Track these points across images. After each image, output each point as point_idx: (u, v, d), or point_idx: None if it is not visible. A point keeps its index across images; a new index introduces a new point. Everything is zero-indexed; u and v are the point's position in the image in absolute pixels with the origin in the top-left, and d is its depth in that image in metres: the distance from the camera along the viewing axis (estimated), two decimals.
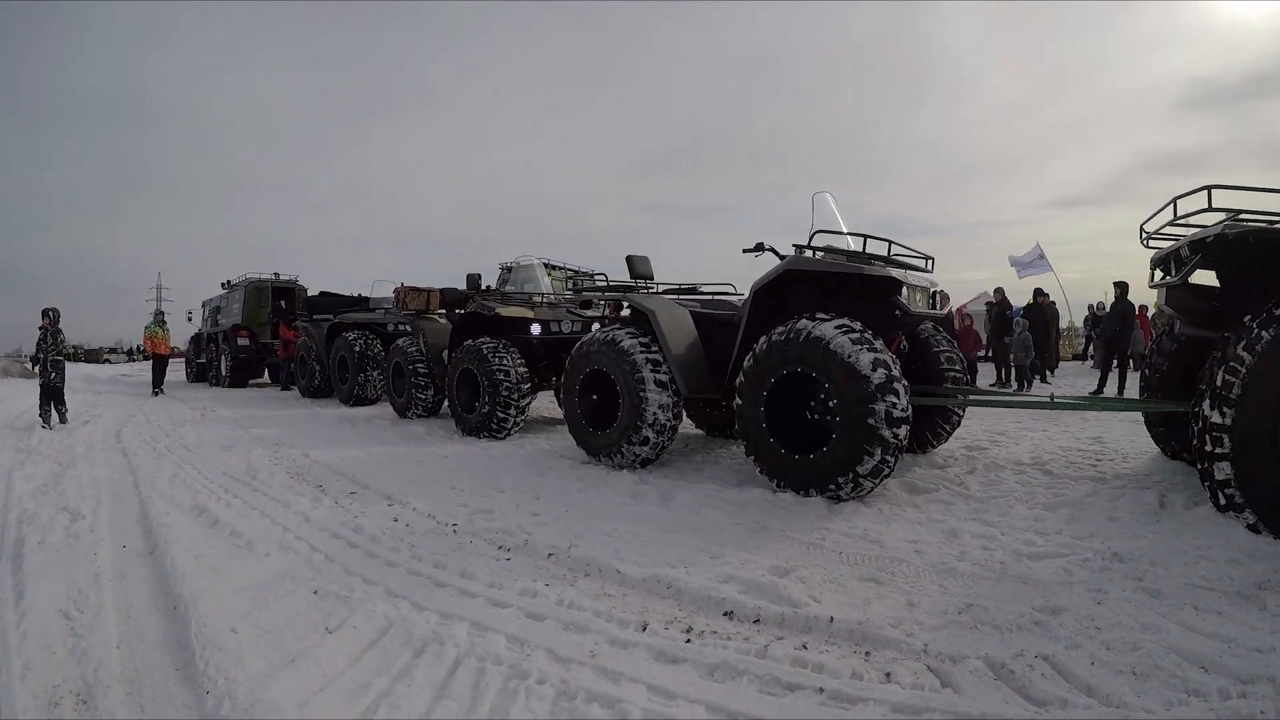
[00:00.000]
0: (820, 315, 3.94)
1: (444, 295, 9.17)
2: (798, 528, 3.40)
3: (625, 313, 6.11)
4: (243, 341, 15.26)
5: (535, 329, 7.28)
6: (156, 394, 13.92)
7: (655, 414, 4.86)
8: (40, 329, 8.48)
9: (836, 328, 3.78)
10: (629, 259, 6.17)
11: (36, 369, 8.39)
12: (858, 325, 3.83)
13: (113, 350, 48.00)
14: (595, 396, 5.50)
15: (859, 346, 3.67)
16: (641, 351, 4.95)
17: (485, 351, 6.89)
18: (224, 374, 15.52)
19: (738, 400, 4.20)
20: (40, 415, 8.22)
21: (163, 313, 16.27)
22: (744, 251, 4.72)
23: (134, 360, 41.42)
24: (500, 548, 3.34)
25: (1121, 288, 10.37)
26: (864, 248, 4.28)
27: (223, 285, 17.03)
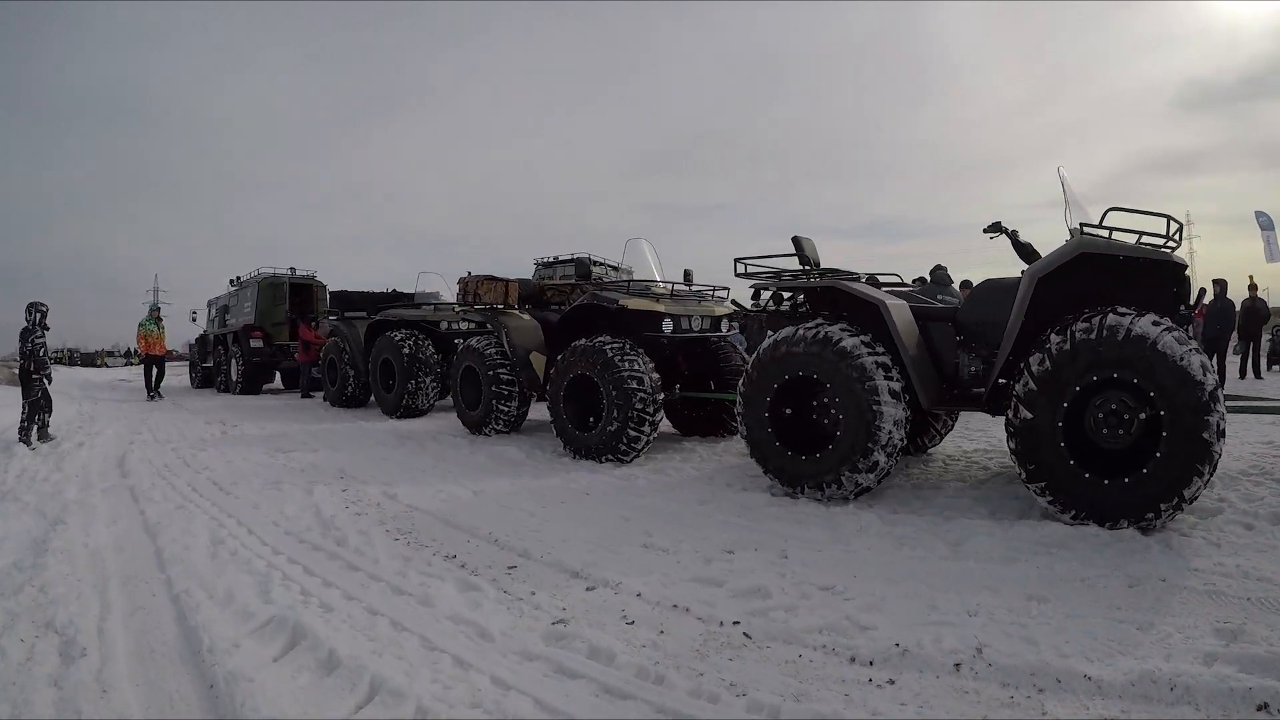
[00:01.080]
0: (1121, 309, 3.26)
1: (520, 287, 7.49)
2: (1166, 572, 2.68)
3: (782, 307, 4.75)
4: (256, 343, 13.46)
5: (667, 325, 5.66)
6: (153, 398, 12.51)
7: (890, 432, 3.82)
8: (42, 327, 6.71)
9: (1154, 324, 3.15)
10: (796, 240, 4.68)
11: (38, 377, 6.72)
12: (1168, 321, 3.24)
13: (109, 353, 45.16)
14: (789, 410, 4.23)
15: (1185, 347, 3.09)
16: (869, 354, 3.90)
17: (611, 354, 5.27)
18: (235, 379, 13.70)
19: (1023, 413, 3.36)
20: (21, 432, 6.54)
21: (158, 308, 14.38)
22: (983, 231, 4.26)
23: (130, 364, 39.35)
24: (856, 660, 2.09)
25: (1221, 285, 10.03)
26: (1167, 231, 3.51)
27: (231, 282, 15.22)
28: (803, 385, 4.14)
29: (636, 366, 5.28)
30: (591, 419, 5.53)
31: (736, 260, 4.77)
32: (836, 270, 4.59)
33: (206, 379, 16.15)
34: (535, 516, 3.71)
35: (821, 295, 4.42)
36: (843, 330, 3.98)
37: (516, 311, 7.00)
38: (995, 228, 4.17)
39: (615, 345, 5.37)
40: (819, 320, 4.13)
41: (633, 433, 5.21)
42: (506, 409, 6.58)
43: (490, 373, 6.56)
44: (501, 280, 7.09)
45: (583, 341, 5.52)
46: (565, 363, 5.59)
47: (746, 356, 5.62)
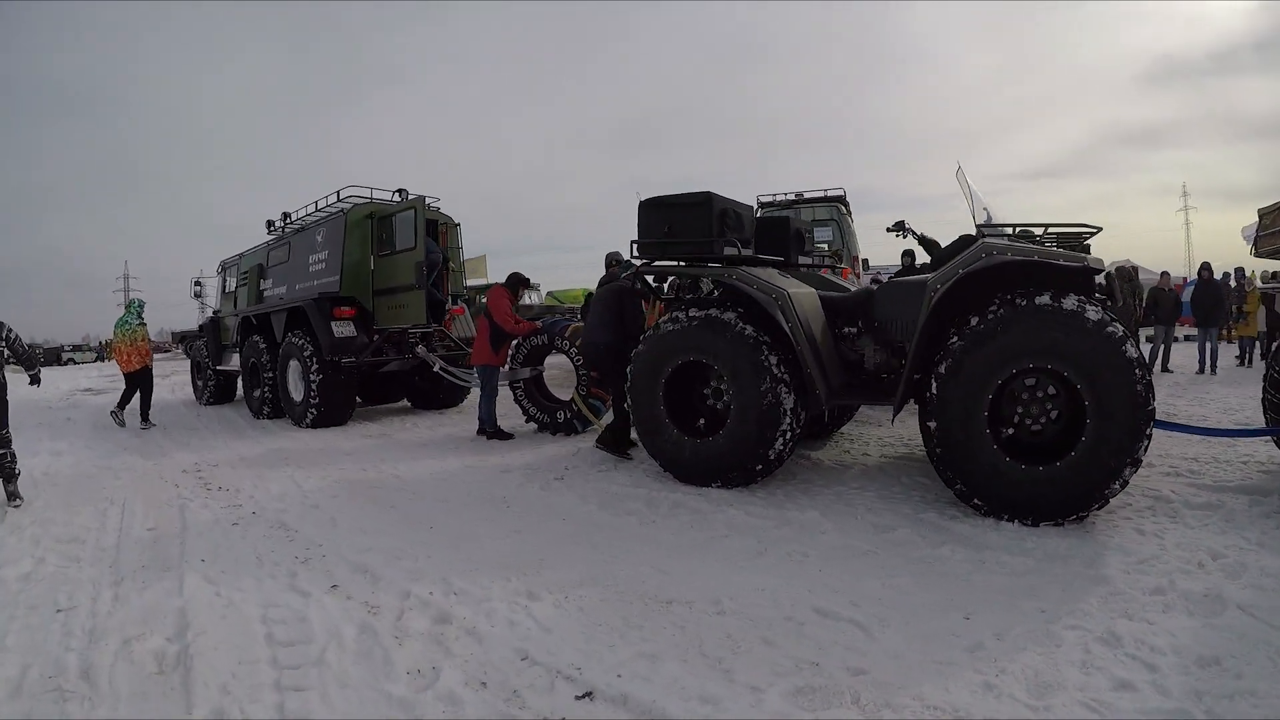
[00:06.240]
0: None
1: None
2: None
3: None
4: (344, 329, 7.23)
5: None
6: (147, 426, 7.59)
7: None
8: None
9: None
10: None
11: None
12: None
13: (77, 348, 35.38)
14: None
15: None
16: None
17: None
18: (305, 400, 7.30)
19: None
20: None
21: (140, 303, 8.12)
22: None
23: (102, 360, 30.78)
24: None
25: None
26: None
27: (269, 226, 8.69)
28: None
29: None
30: None
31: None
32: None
33: (223, 391, 9.64)
34: None
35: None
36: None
37: None
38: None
39: None
40: None
41: None
42: None
43: None
44: None
45: None
46: None
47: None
